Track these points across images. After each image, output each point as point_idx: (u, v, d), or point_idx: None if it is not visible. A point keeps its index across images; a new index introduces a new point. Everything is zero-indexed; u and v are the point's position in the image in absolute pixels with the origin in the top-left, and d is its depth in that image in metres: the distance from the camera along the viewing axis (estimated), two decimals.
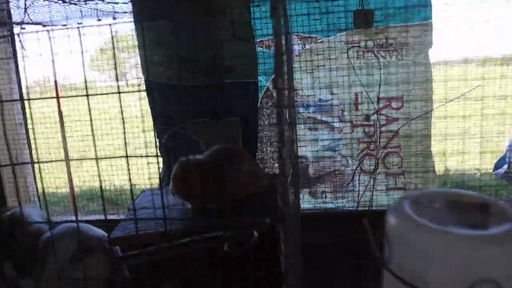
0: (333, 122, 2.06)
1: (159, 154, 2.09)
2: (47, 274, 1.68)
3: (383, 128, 2.03)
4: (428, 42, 1.91)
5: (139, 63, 2.16)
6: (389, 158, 2.03)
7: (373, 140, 2.03)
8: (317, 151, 2.07)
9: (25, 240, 1.81)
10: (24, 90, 2.22)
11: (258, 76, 2.02)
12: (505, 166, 2.03)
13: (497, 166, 2.13)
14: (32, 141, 2.26)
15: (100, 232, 1.80)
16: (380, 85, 1.92)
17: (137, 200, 1.78)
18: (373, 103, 1.99)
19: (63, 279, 1.66)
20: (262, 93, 2.07)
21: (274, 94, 2.07)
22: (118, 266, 1.77)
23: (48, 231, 1.78)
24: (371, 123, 2.04)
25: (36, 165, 2.32)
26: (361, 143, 2.04)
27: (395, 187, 2.02)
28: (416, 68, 1.93)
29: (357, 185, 2.03)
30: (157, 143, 2.12)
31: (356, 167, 2.01)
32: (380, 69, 1.92)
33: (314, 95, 2.04)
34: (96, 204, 4.76)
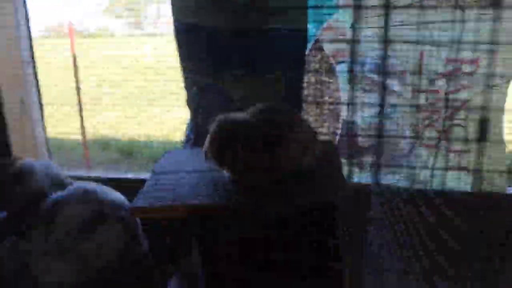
0: (392, 84, 1.75)
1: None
2: (51, 243, 1.46)
3: (450, 96, 1.72)
4: None
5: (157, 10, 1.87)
6: (453, 132, 1.74)
7: (437, 109, 1.73)
8: (370, 117, 1.78)
9: (25, 198, 1.57)
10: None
11: (308, 24, 1.70)
12: None
13: None
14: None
15: (116, 196, 1.56)
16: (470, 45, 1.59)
17: (161, 161, 1.53)
18: (444, 65, 1.67)
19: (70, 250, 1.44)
20: (310, 44, 1.75)
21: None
22: (137, 239, 1.55)
23: (55, 192, 1.54)
24: (436, 89, 1.73)
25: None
26: (423, 111, 1.74)
27: (458, 167, 1.74)
28: (502, 24, 1.59)
29: (414, 160, 1.75)
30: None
31: (416, 140, 1.72)
32: (463, 22, 1.59)
33: (372, 50, 1.72)
34: (108, 152, 4.57)
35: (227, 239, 1.18)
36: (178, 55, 1.75)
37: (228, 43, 1.68)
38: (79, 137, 4.14)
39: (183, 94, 1.86)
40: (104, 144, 4.71)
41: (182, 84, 1.81)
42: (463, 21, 1.59)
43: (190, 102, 1.80)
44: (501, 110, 1.69)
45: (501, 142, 1.70)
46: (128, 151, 4.45)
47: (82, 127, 4.00)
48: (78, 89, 3.81)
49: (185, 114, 1.90)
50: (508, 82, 1.67)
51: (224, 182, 1.28)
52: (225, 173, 1.28)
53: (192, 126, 1.82)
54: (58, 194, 1.53)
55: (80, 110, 3.86)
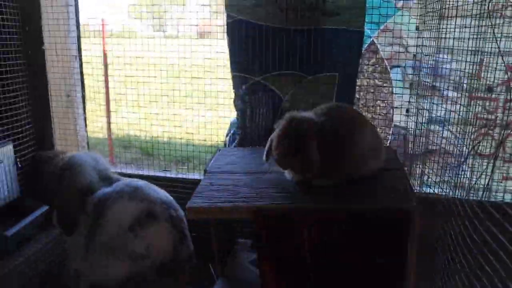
0: (447, 89, 1.69)
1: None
2: (98, 239, 1.41)
3: (508, 105, 1.66)
4: None
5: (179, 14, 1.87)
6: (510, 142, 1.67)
7: (495, 117, 1.67)
8: (423, 123, 1.72)
9: (71, 194, 1.53)
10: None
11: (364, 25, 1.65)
12: None
13: None
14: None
15: (164, 194, 1.52)
16: None
17: (212, 161, 1.48)
18: (507, 72, 1.61)
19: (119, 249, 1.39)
20: (365, 46, 1.70)
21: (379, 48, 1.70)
22: (184, 239, 1.50)
23: (102, 188, 1.50)
24: (494, 96, 1.67)
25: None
26: (479, 119, 1.68)
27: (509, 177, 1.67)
28: None
29: (468, 169, 1.68)
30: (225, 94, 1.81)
31: (471, 148, 1.65)
32: None
33: (430, 55, 1.66)
34: (131, 153, 4.55)
35: (291, 241, 1.13)
36: (229, 52, 1.72)
37: (282, 42, 1.64)
38: (100, 134, 4.12)
39: (206, 95, 1.82)
40: (127, 142, 4.70)
41: (231, 84, 1.77)
42: None
43: (238, 101, 1.76)
44: None
45: None
46: (150, 150, 4.43)
47: (109, 124, 3.98)
48: (107, 87, 3.79)
49: (210, 115, 1.87)
50: None
51: (285, 183, 1.23)
52: (287, 174, 1.23)
53: (238, 125, 1.78)
54: (106, 189, 1.49)
55: (108, 108, 3.84)
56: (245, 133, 1.77)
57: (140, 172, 2.07)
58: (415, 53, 1.63)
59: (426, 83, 1.69)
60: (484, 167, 1.65)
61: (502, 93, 1.66)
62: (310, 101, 1.69)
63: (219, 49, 1.87)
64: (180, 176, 1.92)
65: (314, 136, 1.12)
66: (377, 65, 1.70)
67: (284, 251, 1.14)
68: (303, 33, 1.64)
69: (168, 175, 1.95)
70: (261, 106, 1.74)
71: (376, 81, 1.71)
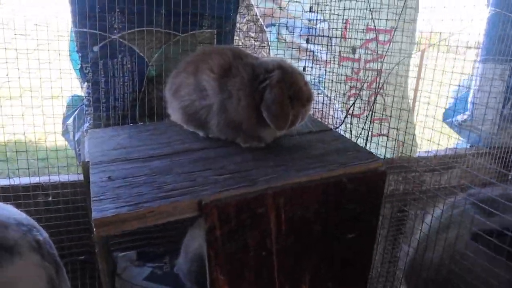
0: (320, 50, 1.63)
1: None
2: None
3: (368, 66, 1.72)
4: None
5: None
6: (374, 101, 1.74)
7: (359, 77, 1.71)
8: None
9: None
10: None
11: None
12: (464, 115, 1.99)
13: (446, 115, 2.09)
14: None
15: (16, 211, 0.97)
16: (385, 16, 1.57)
17: (88, 147, 1.02)
18: (365, 34, 1.65)
19: None
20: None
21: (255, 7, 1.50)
22: (60, 271, 0.99)
23: None
24: (357, 58, 1.71)
25: None
26: (348, 79, 1.69)
27: (379, 134, 1.75)
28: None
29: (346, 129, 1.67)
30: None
31: (349, 108, 1.65)
32: None
33: (303, 14, 1.57)
34: None
35: (255, 233, 0.85)
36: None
37: None
38: None
39: None
40: None
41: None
42: None
43: (86, 69, 1.28)
44: (406, 82, 1.77)
45: (409, 109, 1.80)
46: None
47: None
48: None
49: None
50: (409, 56, 1.76)
51: (222, 161, 0.92)
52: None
53: (89, 101, 1.30)
54: None
55: None
56: (101, 111, 1.31)
57: None
58: (288, 11, 1.50)
59: (296, 42, 1.59)
60: (359, 127, 1.67)
61: (363, 54, 1.70)
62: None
63: None
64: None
65: None
66: (251, 23, 1.50)
67: (245, 248, 0.85)
68: None
69: None
70: (121, 74, 1.31)
71: (253, 40, 1.51)
